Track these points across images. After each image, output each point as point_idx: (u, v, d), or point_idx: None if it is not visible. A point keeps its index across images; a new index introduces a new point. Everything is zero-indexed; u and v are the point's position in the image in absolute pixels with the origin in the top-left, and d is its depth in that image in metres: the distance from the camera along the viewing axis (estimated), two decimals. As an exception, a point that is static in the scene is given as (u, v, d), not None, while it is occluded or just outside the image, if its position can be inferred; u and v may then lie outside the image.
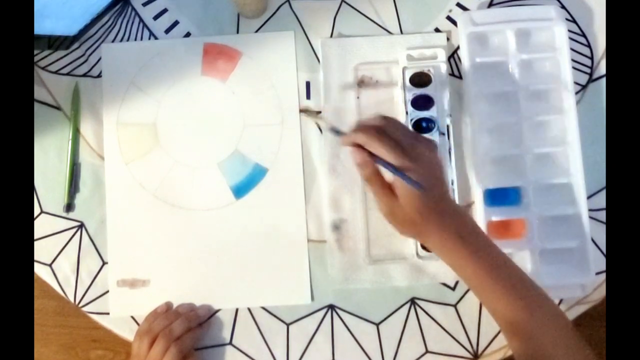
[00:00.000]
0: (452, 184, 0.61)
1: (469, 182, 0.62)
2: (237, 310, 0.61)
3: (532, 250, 0.59)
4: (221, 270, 0.61)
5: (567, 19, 0.64)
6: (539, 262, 0.59)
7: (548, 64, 0.62)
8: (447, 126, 0.62)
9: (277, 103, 0.63)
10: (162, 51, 0.64)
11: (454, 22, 0.64)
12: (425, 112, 0.62)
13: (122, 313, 0.61)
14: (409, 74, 0.62)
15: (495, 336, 0.60)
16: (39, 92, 0.64)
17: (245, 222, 0.62)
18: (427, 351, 0.60)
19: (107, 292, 0.61)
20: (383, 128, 0.49)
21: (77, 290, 0.62)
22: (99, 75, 0.64)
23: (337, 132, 0.52)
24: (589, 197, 0.61)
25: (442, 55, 0.62)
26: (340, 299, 0.61)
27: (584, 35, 0.65)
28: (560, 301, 0.60)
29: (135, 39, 0.65)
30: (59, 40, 0.61)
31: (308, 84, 0.64)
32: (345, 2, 0.65)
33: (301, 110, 0.62)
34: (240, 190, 0.62)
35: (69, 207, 0.63)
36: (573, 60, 0.62)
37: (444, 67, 0.62)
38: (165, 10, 0.66)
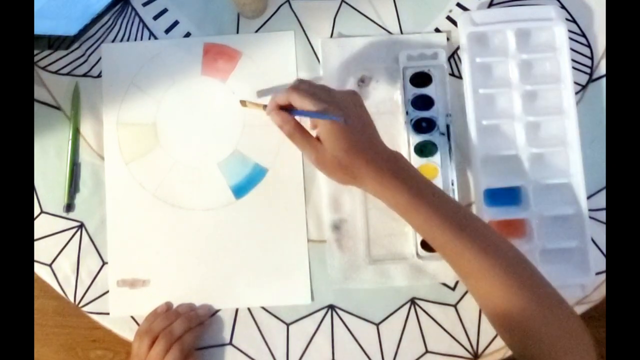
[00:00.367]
0: (452, 184, 0.61)
1: (469, 182, 0.62)
2: (237, 310, 0.61)
3: (532, 250, 0.59)
4: (221, 270, 0.61)
5: (567, 19, 0.64)
6: (539, 262, 0.59)
7: (548, 64, 0.62)
8: (447, 126, 0.62)
9: (277, 103, 0.63)
10: (162, 51, 0.64)
11: (454, 22, 0.64)
12: (425, 112, 0.62)
13: (122, 313, 0.61)
14: (409, 74, 0.62)
15: (496, 336, 0.60)
16: (39, 92, 0.64)
17: (245, 222, 0.62)
18: (427, 351, 0.60)
19: (107, 292, 0.61)
20: (300, 86, 0.53)
21: (77, 290, 0.62)
22: (99, 75, 0.64)
23: (264, 106, 0.55)
24: (589, 197, 0.61)
25: (442, 55, 0.62)
26: (340, 299, 0.61)
27: (584, 35, 0.65)
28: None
29: (135, 39, 0.65)
30: (59, 40, 0.61)
31: (308, 84, 0.64)
32: (345, 2, 0.65)
33: (242, 102, 0.60)
34: (240, 190, 0.62)
35: (69, 207, 0.63)
36: (573, 60, 0.62)
37: (444, 67, 0.62)
38: (165, 10, 0.66)
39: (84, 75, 0.65)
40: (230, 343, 0.61)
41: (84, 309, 0.62)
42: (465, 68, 0.62)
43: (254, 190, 0.62)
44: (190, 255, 0.62)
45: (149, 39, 0.65)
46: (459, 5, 0.65)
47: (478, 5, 0.65)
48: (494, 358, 0.60)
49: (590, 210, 0.60)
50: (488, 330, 0.60)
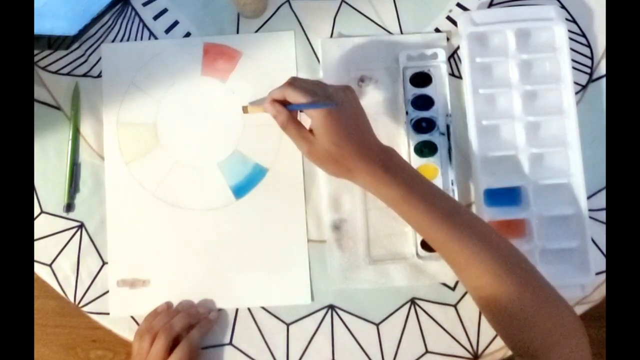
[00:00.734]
0: (452, 184, 0.61)
1: (469, 182, 0.62)
2: (237, 310, 0.61)
3: (532, 250, 0.59)
4: (221, 271, 0.61)
5: (567, 19, 0.64)
6: (539, 262, 0.59)
7: (548, 64, 0.62)
8: (447, 126, 0.62)
9: (277, 103, 0.63)
10: (162, 51, 0.64)
11: (454, 22, 0.64)
12: (425, 112, 0.62)
13: (122, 313, 0.61)
14: (409, 74, 0.62)
15: (496, 336, 0.60)
16: (39, 92, 0.64)
17: (245, 222, 0.62)
18: (427, 351, 0.60)
19: (107, 292, 0.61)
20: (293, 82, 0.53)
21: (77, 290, 0.62)
22: (99, 75, 0.64)
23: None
24: (589, 197, 0.61)
25: (442, 55, 0.62)
26: (340, 299, 0.61)
27: (584, 35, 0.65)
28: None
29: (135, 39, 0.65)
30: (59, 40, 0.61)
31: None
32: (345, 2, 0.65)
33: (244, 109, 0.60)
34: (240, 190, 0.62)
35: (69, 207, 0.63)
36: (573, 60, 0.62)
37: (444, 67, 0.62)
38: (165, 10, 0.66)
39: (84, 75, 0.65)
40: (230, 343, 0.61)
41: (84, 309, 0.62)
42: (465, 68, 0.62)
43: (254, 190, 0.62)
44: (190, 255, 0.62)
45: (149, 39, 0.65)
46: (459, 5, 0.65)
47: (478, 5, 0.65)
48: (494, 358, 0.60)
49: (590, 210, 0.60)
50: (488, 330, 0.60)
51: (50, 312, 1.15)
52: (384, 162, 0.52)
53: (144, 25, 0.65)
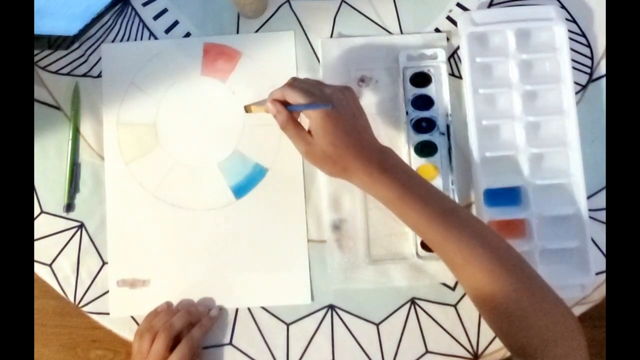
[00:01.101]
0: (452, 184, 0.61)
1: (469, 182, 0.62)
2: (237, 310, 0.61)
3: (532, 251, 0.59)
4: (221, 271, 0.61)
5: (567, 19, 0.64)
6: (539, 262, 0.59)
7: (548, 64, 0.62)
8: (447, 126, 0.62)
9: (277, 103, 0.63)
10: (162, 51, 0.64)
11: (454, 22, 0.64)
12: (425, 112, 0.62)
13: (122, 313, 0.61)
14: (409, 74, 0.62)
15: (496, 336, 0.60)
16: (39, 92, 0.64)
17: (245, 222, 0.62)
18: (427, 351, 0.60)
19: (107, 292, 0.61)
20: (293, 83, 0.54)
21: (77, 290, 0.62)
22: (99, 75, 0.64)
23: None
24: (589, 197, 0.61)
25: (442, 55, 0.62)
26: (340, 299, 0.61)
27: (584, 35, 0.65)
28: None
29: (135, 39, 0.65)
30: (59, 40, 0.61)
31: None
32: (345, 2, 0.65)
33: (246, 108, 0.59)
34: (240, 190, 0.62)
35: (69, 207, 0.63)
36: (573, 60, 0.62)
37: (444, 67, 0.62)
38: (165, 10, 0.66)
39: (84, 75, 0.65)
40: (230, 343, 0.61)
41: (84, 309, 0.62)
42: (465, 68, 0.61)
43: (254, 190, 0.62)
44: (190, 255, 0.62)
45: (149, 39, 0.65)
46: (459, 5, 0.65)
47: (478, 5, 0.65)
48: (494, 358, 0.60)
49: (590, 210, 0.60)
50: (488, 330, 0.59)
51: (50, 312, 1.15)
52: (381, 162, 0.52)
53: (144, 25, 0.65)
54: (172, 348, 0.55)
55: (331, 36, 0.65)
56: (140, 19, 0.65)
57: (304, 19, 0.65)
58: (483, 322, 0.60)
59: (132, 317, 0.61)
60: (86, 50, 0.65)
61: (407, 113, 0.62)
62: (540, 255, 0.59)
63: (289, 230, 0.62)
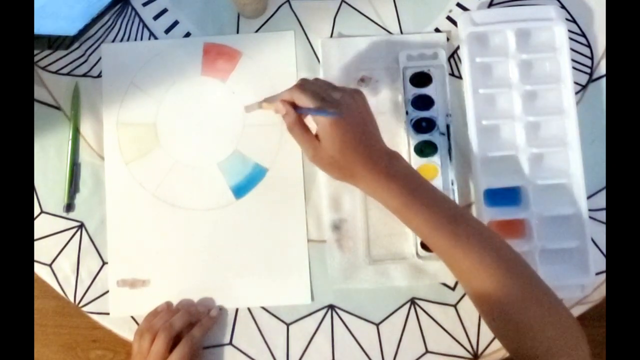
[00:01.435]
0: (452, 184, 0.61)
1: (469, 182, 0.62)
2: (237, 310, 0.61)
3: (532, 251, 0.59)
4: (221, 271, 0.61)
5: (567, 19, 0.64)
6: (539, 262, 0.59)
7: (548, 64, 0.62)
8: (447, 126, 0.62)
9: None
10: (162, 51, 0.64)
11: (454, 22, 0.64)
12: (425, 112, 0.62)
13: (122, 313, 0.61)
14: (409, 74, 0.62)
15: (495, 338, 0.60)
16: (39, 92, 0.64)
17: (245, 222, 0.62)
18: (427, 351, 0.60)
19: (107, 292, 0.61)
20: (303, 85, 0.54)
21: (77, 290, 0.62)
22: (99, 75, 0.64)
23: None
24: (589, 197, 0.61)
25: (442, 55, 0.62)
26: (340, 299, 0.61)
27: (584, 35, 0.65)
28: (560, 301, 0.60)
29: (135, 39, 0.65)
30: (59, 40, 0.61)
31: (308, 84, 0.64)
32: (345, 2, 0.65)
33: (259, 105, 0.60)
34: (240, 190, 0.62)
35: (69, 207, 0.63)
36: (573, 60, 0.62)
37: (444, 67, 0.62)
38: (165, 10, 0.66)
39: (84, 75, 0.65)
40: (230, 343, 0.61)
41: (84, 309, 0.62)
42: (465, 68, 0.62)
43: (254, 190, 0.62)
44: (190, 255, 0.62)
45: (149, 39, 0.65)
46: (459, 5, 0.65)
47: (478, 5, 0.65)
48: (494, 358, 0.60)
49: (590, 210, 0.60)
50: (488, 330, 0.59)
51: (50, 312, 1.15)
52: (388, 168, 0.52)
53: (144, 25, 0.65)
54: (172, 348, 0.55)
55: (331, 36, 0.65)
56: (140, 19, 0.65)
57: (304, 19, 0.65)
58: (483, 322, 0.60)
59: (132, 317, 0.61)
60: (86, 50, 0.65)
61: (407, 113, 0.62)
62: (540, 255, 0.59)
63: (289, 230, 0.62)
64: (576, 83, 0.62)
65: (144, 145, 0.63)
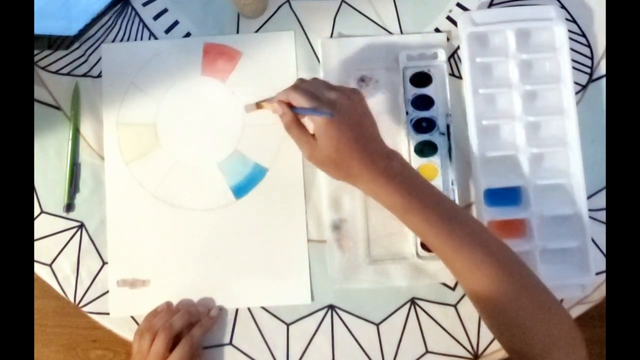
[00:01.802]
0: (452, 184, 0.61)
1: (469, 182, 0.62)
2: (237, 310, 0.61)
3: (532, 251, 0.59)
4: (221, 271, 0.61)
5: (567, 19, 0.64)
6: (539, 262, 0.59)
7: (548, 64, 0.62)
8: (447, 126, 0.62)
9: (277, 103, 0.63)
10: (162, 51, 0.64)
11: (454, 22, 0.64)
12: (425, 112, 0.62)
13: (122, 313, 0.61)
14: (409, 74, 0.62)
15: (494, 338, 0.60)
16: (39, 92, 0.64)
17: (245, 222, 0.62)
18: (427, 351, 0.60)
19: (107, 292, 0.61)
20: (298, 85, 0.54)
21: (77, 290, 0.62)
22: (99, 75, 0.64)
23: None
24: (589, 197, 0.61)
25: (442, 55, 0.62)
26: (340, 299, 0.61)
27: (584, 35, 0.65)
28: (561, 301, 0.60)
29: (135, 39, 0.65)
30: (59, 40, 0.61)
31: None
32: (345, 2, 0.65)
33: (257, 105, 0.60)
34: (240, 190, 0.62)
35: (69, 207, 0.63)
36: (573, 60, 0.62)
37: (444, 67, 0.62)
38: (165, 10, 0.66)
39: (84, 75, 0.65)
40: (230, 343, 0.61)
41: (84, 309, 0.62)
42: (465, 68, 0.62)
43: (254, 190, 0.62)
44: (190, 255, 0.62)
45: (149, 39, 0.65)
46: (459, 5, 0.65)
47: (478, 5, 0.65)
48: (494, 358, 0.60)
49: (590, 210, 0.60)
50: (488, 330, 0.60)
51: (50, 312, 1.15)
52: (386, 169, 0.52)
53: (144, 25, 0.65)
54: (172, 348, 0.55)
55: (331, 36, 0.65)
56: (140, 19, 0.65)
57: (304, 19, 0.65)
58: (483, 322, 0.60)
59: (132, 317, 0.61)
60: (86, 50, 0.65)
61: (407, 113, 0.62)
62: (540, 255, 0.59)
63: (289, 230, 0.62)
64: (576, 83, 0.62)
65: (144, 145, 0.63)
